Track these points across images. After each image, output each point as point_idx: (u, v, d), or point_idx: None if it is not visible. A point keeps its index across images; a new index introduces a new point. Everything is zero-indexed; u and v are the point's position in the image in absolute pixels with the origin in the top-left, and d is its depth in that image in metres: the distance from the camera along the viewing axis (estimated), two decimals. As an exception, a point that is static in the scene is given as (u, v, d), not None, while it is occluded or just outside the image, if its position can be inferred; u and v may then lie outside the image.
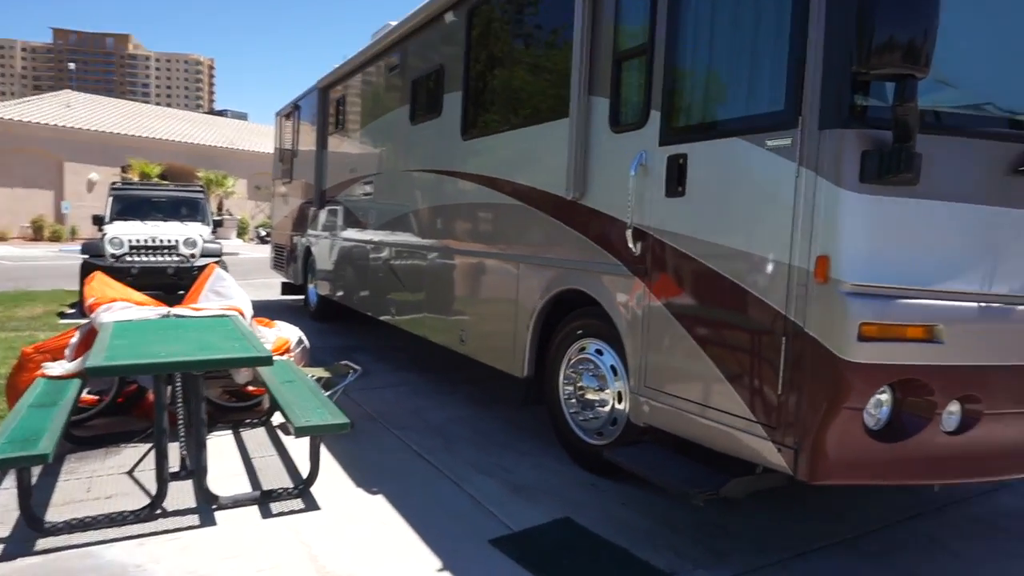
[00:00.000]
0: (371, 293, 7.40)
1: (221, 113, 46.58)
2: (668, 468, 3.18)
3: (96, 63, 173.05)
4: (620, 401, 3.79)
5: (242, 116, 50.50)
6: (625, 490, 3.80)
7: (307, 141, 10.32)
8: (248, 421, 4.86)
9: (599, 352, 3.94)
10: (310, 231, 9.87)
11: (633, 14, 3.63)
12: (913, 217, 2.57)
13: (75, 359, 4.42)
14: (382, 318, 7.10)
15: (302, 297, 10.70)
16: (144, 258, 10.20)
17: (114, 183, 12.15)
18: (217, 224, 12.07)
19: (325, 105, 9.32)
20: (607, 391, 3.87)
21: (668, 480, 3.06)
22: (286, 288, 11.79)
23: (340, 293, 8.52)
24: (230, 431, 4.69)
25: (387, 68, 7.08)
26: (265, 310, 10.58)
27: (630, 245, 3.50)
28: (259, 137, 38.58)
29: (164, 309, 4.56)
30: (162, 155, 31.81)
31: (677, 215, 3.26)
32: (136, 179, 29.16)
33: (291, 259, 11.14)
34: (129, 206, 11.48)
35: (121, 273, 9.87)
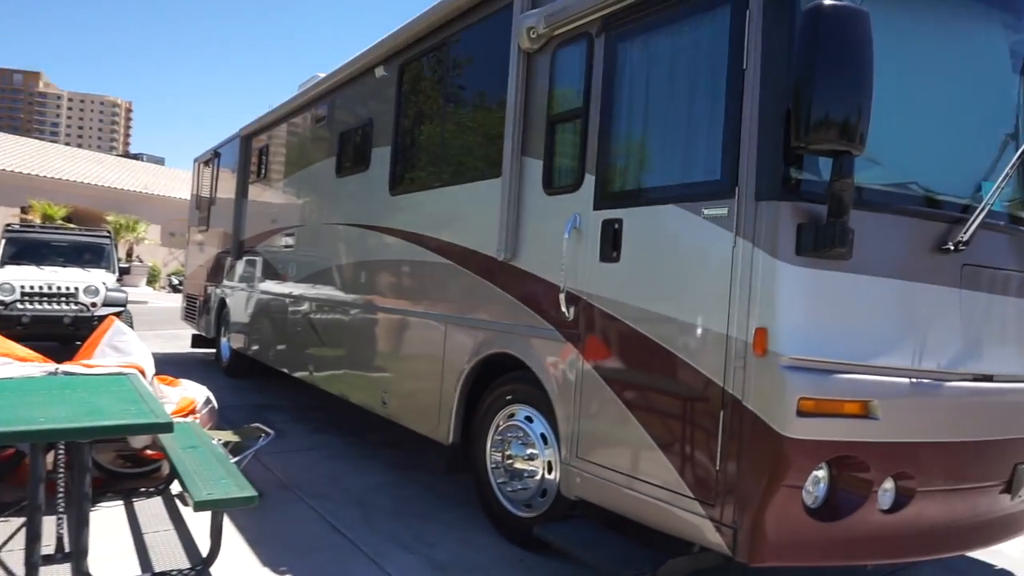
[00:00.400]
0: (287, 348, 7.03)
1: (136, 157, 44.86)
2: (601, 547, 3.01)
3: (2, 99, 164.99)
4: (550, 471, 3.63)
5: (159, 160, 48.78)
6: (556, 568, 3.59)
7: (226, 189, 9.94)
8: (143, 490, 4.41)
9: (528, 419, 3.79)
10: (225, 282, 9.40)
11: (568, 78, 3.63)
12: (846, 291, 2.58)
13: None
14: (297, 375, 6.74)
15: (214, 351, 10.12)
16: (37, 306, 9.43)
17: (8, 225, 11.32)
18: (123, 272, 11.38)
19: (247, 153, 9.02)
20: (536, 461, 3.70)
21: (600, 561, 2.90)
22: (197, 341, 11.16)
23: (255, 347, 8.08)
24: (121, 501, 4.24)
25: (314, 119, 6.92)
26: (173, 364, 9.93)
27: (563, 309, 3.41)
28: (176, 183, 37.23)
29: (51, 366, 4.13)
30: (68, 197, 30.13)
31: (611, 280, 3.19)
32: (38, 221, 27.48)
33: (204, 310, 10.57)
34: (25, 249, 10.70)
35: (10, 322, 9.11)
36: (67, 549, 3.06)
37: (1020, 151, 2.92)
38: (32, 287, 9.50)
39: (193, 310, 11.32)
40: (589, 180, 3.38)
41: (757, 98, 2.61)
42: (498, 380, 4.03)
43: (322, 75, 6.94)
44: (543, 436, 3.69)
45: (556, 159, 3.66)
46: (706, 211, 2.77)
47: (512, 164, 3.86)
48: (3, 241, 10.67)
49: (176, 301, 24.64)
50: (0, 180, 28.80)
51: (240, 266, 8.81)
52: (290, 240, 7.17)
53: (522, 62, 3.87)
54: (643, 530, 3.03)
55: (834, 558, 2.61)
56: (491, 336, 3.97)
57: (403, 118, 5.19)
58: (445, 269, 4.44)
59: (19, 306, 9.31)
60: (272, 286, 7.56)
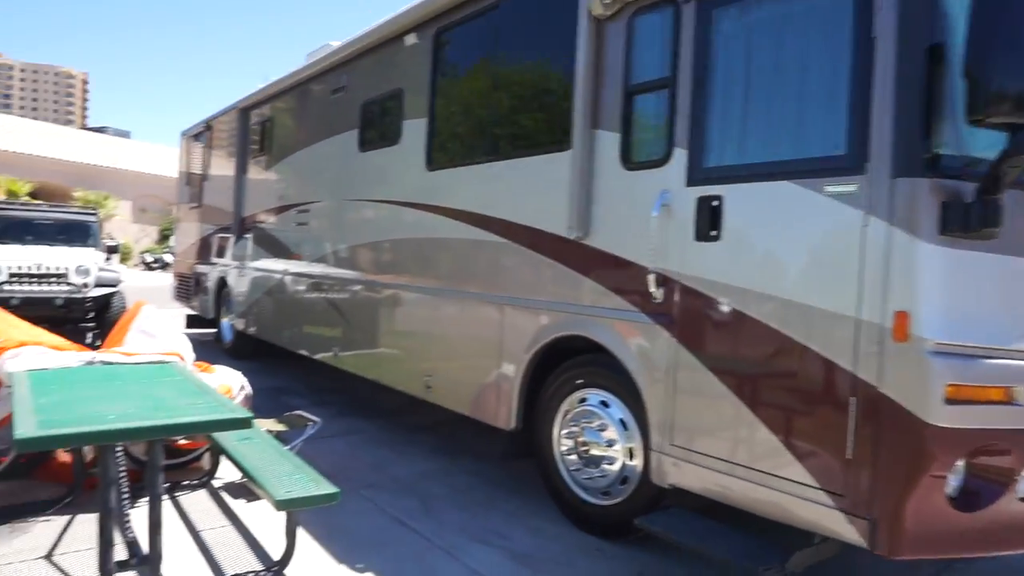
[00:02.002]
0: (306, 330, 6.78)
1: (100, 130, 43.26)
2: (714, 538, 2.90)
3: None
4: (632, 458, 3.50)
5: (124, 134, 47.14)
6: (635, 556, 3.49)
7: (221, 164, 9.55)
8: (187, 483, 4.19)
9: (604, 404, 3.65)
10: (225, 260, 9.06)
11: (649, 46, 3.44)
12: (989, 272, 2.46)
13: (-26, 417, 3.65)
14: (318, 356, 6.50)
15: (213, 331, 9.79)
16: (27, 287, 9.00)
17: (-11, 202, 10.77)
18: (111, 250, 10.91)
19: (247, 127, 8.64)
20: (616, 447, 3.57)
21: (718, 553, 2.78)
22: (192, 321, 10.80)
23: (264, 328, 7.81)
24: (165, 496, 4.02)
25: (329, 91, 6.59)
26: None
27: (651, 290, 3.25)
28: (144, 156, 36.12)
29: (87, 354, 3.86)
30: (32, 172, 29.04)
31: (710, 260, 3.04)
32: (2, 197, 26.43)
33: (200, 290, 10.22)
34: (7, 228, 10.18)
35: (-2, 304, 8.69)
36: (140, 554, 2.85)
37: None
38: (20, 267, 9.05)
39: (187, 289, 10.93)
40: (679, 155, 3.21)
41: (892, 69, 2.46)
42: (566, 363, 3.88)
43: (335, 44, 6.61)
44: (622, 422, 3.55)
45: (636, 132, 3.48)
46: (829, 188, 2.62)
47: (583, 137, 3.66)
48: (-17, 220, 10.14)
49: (152, 280, 23.99)
50: (-40, 155, 27.54)
51: (243, 244, 8.48)
52: (304, 217, 6.88)
53: (592, 29, 3.66)
54: (739, 518, 2.93)
55: (973, 549, 2.54)
56: (561, 318, 3.81)
57: (441, 89, 4.94)
58: (499, 248, 4.25)
59: (7, 287, 8.86)
60: (283, 265, 7.27)
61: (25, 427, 2.44)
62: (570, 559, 3.45)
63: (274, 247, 7.56)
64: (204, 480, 4.25)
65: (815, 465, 2.61)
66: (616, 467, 3.57)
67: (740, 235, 2.95)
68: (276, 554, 3.30)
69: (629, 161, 3.48)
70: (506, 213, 4.22)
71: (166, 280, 26.10)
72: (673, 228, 3.21)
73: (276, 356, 8.21)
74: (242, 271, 8.51)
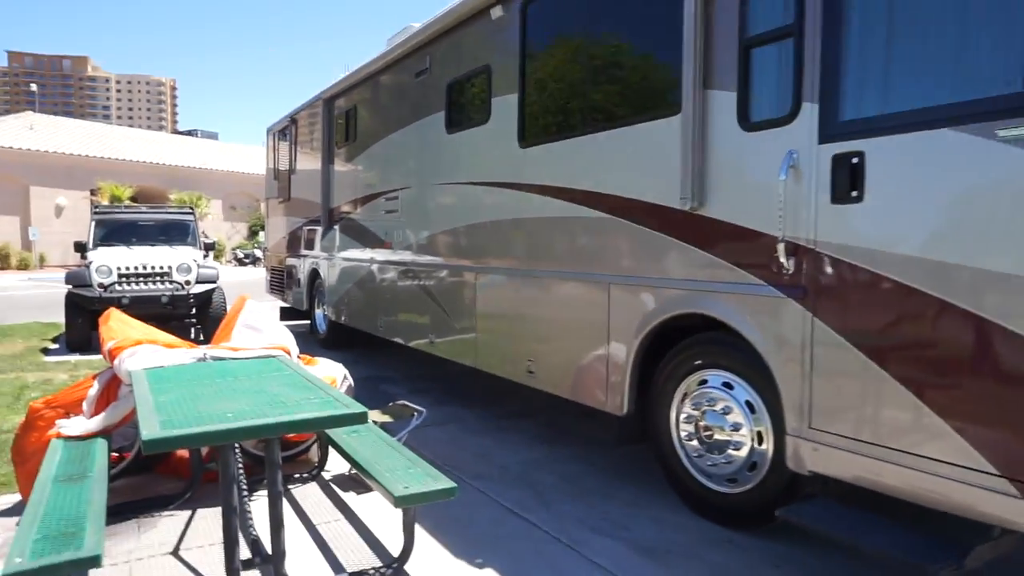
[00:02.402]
0: (399, 318, 6.76)
1: (190, 133, 45.32)
2: (875, 533, 2.61)
3: (55, 86, 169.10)
4: (761, 442, 3.24)
5: (212, 136, 49.23)
6: (769, 547, 3.24)
7: (308, 157, 9.68)
8: (298, 476, 4.20)
9: (727, 386, 3.39)
10: (316, 252, 9.20)
11: (767, -7, 3.11)
12: None
13: (95, 414, 3.75)
14: (413, 344, 6.47)
15: (306, 322, 10.01)
16: (135, 287, 9.41)
17: (96, 206, 11.31)
18: (208, 248, 11.29)
19: (331, 117, 8.69)
20: (743, 431, 3.31)
21: (890, 550, 2.49)
22: (284, 313, 11.09)
23: (359, 318, 7.87)
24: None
25: (412, 74, 6.49)
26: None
27: (781, 261, 2.96)
28: (232, 156, 37.60)
29: (198, 351, 3.89)
30: (132, 177, 30.70)
31: (852, 224, 2.72)
32: (106, 203, 28.08)
33: (292, 283, 10.45)
34: (113, 231, 10.67)
35: (110, 304, 9.09)
36: (264, 552, 2.82)
37: None
38: (128, 268, 9.47)
39: (280, 283, 11.23)
40: (809, 109, 2.89)
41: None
42: (682, 344, 3.63)
43: (416, 25, 6.50)
44: (748, 404, 3.29)
45: (755, 89, 3.16)
46: (1003, 132, 2.26)
47: (693, 100, 3.38)
48: (93, 223, 10.66)
49: (243, 275, 24.98)
50: (70, 164, 29.39)
51: (333, 235, 8.56)
52: (392, 205, 6.83)
53: (699, -21, 3.36)
54: (884, 507, 2.63)
55: None
56: (675, 296, 3.56)
57: (530, 62, 4.72)
58: (603, 224, 4.02)
59: (118, 288, 9.29)
60: (374, 254, 7.28)
61: (150, 428, 2.42)
62: (699, 552, 3.23)
63: (363, 236, 7.58)
64: (314, 473, 4.25)
65: (994, 450, 2.29)
66: (743, 452, 3.32)
67: (887, 194, 2.62)
68: (393, 549, 3.24)
69: (748, 121, 3.18)
70: (609, 187, 3.99)
71: (258, 274, 27.21)
72: (804, 191, 2.90)
73: (370, 345, 8.29)
74: (333, 262, 8.60)
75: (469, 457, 4.60)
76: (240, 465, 3.26)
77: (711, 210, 3.35)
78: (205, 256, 10.86)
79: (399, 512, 3.47)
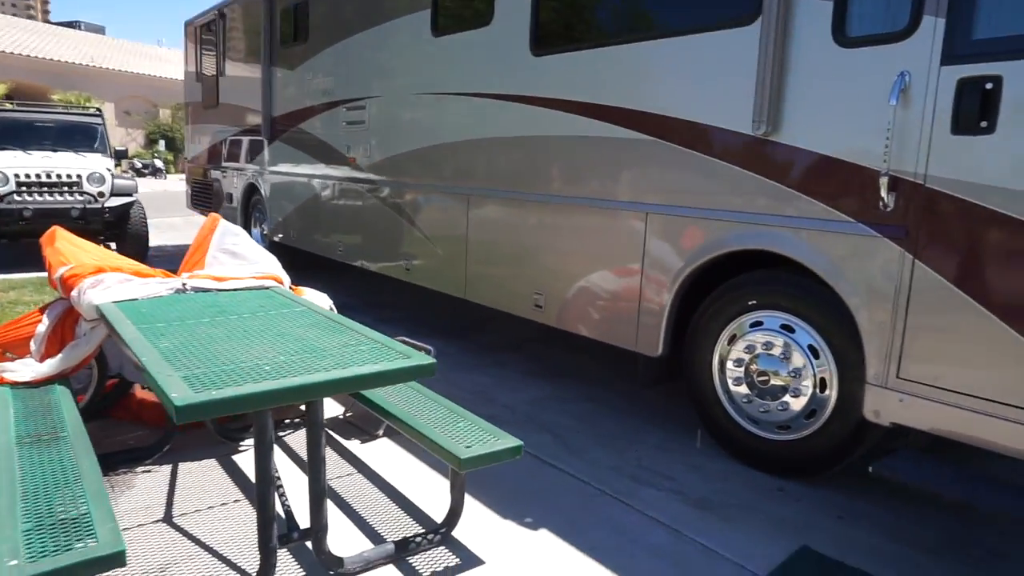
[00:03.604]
0: (366, 243, 6.19)
1: (72, 25, 40.47)
2: (984, 491, 2.46)
3: None
4: (824, 389, 3.04)
5: (99, 29, 44.15)
6: (826, 496, 3.09)
7: (242, 57, 8.62)
8: (287, 421, 3.72)
9: (787, 328, 3.15)
10: (254, 166, 8.31)
11: None
12: None
13: (47, 355, 3.11)
14: (380, 269, 5.95)
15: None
16: (37, 198, 8.24)
17: (-18, 103, 9.77)
18: (120, 156, 10.05)
19: (273, 12, 7.68)
20: (803, 378, 3.09)
21: (1008, 510, 2.34)
22: (211, 231, 10.14)
23: (310, 240, 7.19)
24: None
25: (384, -36, 5.70)
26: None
27: (881, 197, 2.68)
28: (124, 54, 34.00)
29: (175, 280, 3.29)
30: (5, 71, 27.17)
31: (979, 159, 2.45)
32: (-22, 99, 24.86)
33: (221, 198, 9.49)
34: (5, 132, 9.25)
35: (9, 217, 7.97)
36: (303, 527, 2.38)
37: None
38: (28, 176, 8.26)
39: (205, 197, 10.18)
40: (931, 25, 2.55)
41: None
42: (731, 281, 3.35)
43: (388, -93, 5.67)
44: (811, 348, 3.06)
45: (858, -2, 2.79)
46: None
47: (777, 7, 2.97)
48: (-21, 123, 9.20)
49: (148, 186, 22.89)
50: (-74, 53, 25.59)
51: (277, 148, 7.72)
52: (357, 115, 6.12)
53: None
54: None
55: None
56: (734, 230, 3.24)
57: (547, -45, 4.14)
58: (643, 147, 3.62)
59: (16, 198, 8.10)
60: (332, 170, 6.58)
61: (178, 391, 1.90)
62: (753, 502, 3.04)
63: (318, 150, 6.83)
64: (298, 420, 3.77)
65: None
66: (803, 400, 3.11)
67: (1028, 126, 2.35)
68: (426, 508, 2.88)
69: (845, 35, 2.82)
70: (654, 105, 3.56)
71: (165, 186, 25.11)
72: (915, 119, 2.60)
73: (316, 267, 7.64)
74: (277, 177, 7.79)
75: (468, 397, 4.23)
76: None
77: (789, 136, 3.01)
78: (117, 165, 9.66)
79: (418, 464, 3.12)
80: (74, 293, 3.04)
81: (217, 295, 3.22)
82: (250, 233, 8.77)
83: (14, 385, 2.96)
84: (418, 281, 5.50)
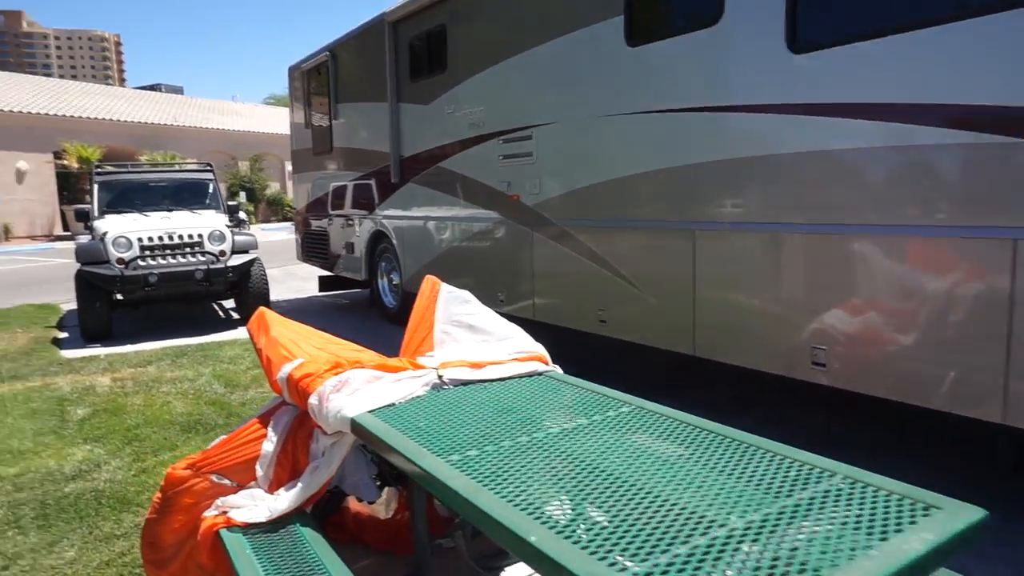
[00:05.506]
0: (544, 288, 5.40)
1: (155, 88, 42.09)
2: None
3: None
4: None
5: (178, 90, 45.93)
6: None
7: (359, 97, 8.09)
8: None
9: None
10: (381, 211, 7.71)
11: None
12: None
13: (279, 481, 2.38)
14: (561, 320, 5.15)
15: (345, 292, 8.57)
16: (161, 261, 7.82)
17: (98, 166, 9.52)
18: (232, 211, 9.66)
19: (398, 45, 7.10)
20: None
21: None
22: (325, 283, 9.64)
23: (461, 287, 6.46)
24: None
25: (549, -27, 4.98)
26: (310, 315, 8.40)
27: None
28: (202, 112, 34.99)
29: (429, 373, 2.52)
30: (96, 136, 28.08)
31: None
32: (75, 166, 25.76)
33: (340, 248, 8.93)
34: (121, 195, 8.97)
35: (135, 283, 7.55)
36: None
37: None
38: (152, 239, 7.86)
39: (318, 248, 9.67)
40: None
41: None
42: None
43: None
44: None
45: None
46: None
47: None
48: (96, 186, 8.93)
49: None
50: (28, 124, 26.67)
51: (410, 190, 7.08)
52: (520, 148, 5.38)
53: None
54: None
55: None
56: None
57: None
58: (995, 151, 2.70)
59: (141, 263, 7.70)
60: (487, 211, 5.85)
61: (564, 554, 1.08)
62: None
63: (467, 189, 6.12)
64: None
65: None
66: None
67: None
68: None
69: None
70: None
71: (269, 237, 25.34)
72: None
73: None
74: (411, 222, 7.14)
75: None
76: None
77: None
78: (232, 222, 9.24)
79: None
80: (313, 400, 2.31)
81: (484, 388, 2.45)
82: (377, 284, 8.19)
83: (247, 528, 2.24)
84: (619, 335, 4.66)
